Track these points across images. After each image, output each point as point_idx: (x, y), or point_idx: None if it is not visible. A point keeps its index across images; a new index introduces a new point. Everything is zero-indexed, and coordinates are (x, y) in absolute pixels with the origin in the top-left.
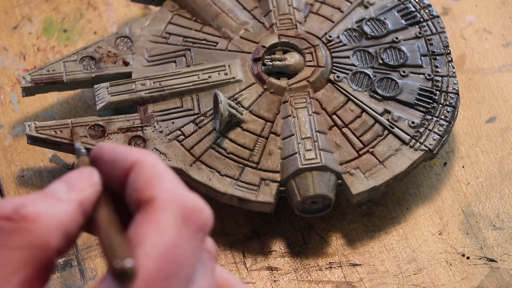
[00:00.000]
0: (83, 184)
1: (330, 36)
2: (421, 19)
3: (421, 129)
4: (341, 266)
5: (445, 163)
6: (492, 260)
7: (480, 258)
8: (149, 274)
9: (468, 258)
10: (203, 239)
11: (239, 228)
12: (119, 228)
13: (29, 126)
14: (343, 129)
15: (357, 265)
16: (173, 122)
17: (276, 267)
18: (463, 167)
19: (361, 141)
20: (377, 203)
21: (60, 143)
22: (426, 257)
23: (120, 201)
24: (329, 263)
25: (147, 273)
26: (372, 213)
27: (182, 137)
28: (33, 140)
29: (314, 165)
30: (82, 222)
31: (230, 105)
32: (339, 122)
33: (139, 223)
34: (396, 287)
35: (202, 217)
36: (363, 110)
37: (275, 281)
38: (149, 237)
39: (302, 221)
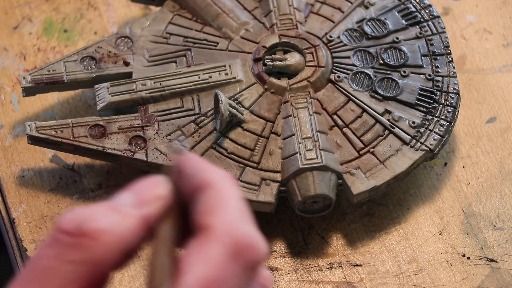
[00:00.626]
0: (151, 197)
1: (331, 36)
2: (422, 19)
3: (422, 129)
4: (341, 266)
5: (446, 163)
6: (492, 260)
7: (481, 258)
8: None
9: (468, 258)
10: (253, 276)
11: None
12: (173, 250)
13: (29, 126)
14: (343, 129)
15: (358, 265)
16: (173, 122)
17: (277, 267)
18: (463, 167)
19: (361, 141)
20: (377, 203)
21: (61, 143)
22: (426, 257)
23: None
24: (330, 263)
25: None
26: (373, 213)
27: (183, 137)
28: (34, 140)
29: (314, 165)
30: (144, 237)
31: (230, 105)
32: (339, 122)
33: (190, 250)
34: (397, 287)
35: (255, 254)
36: (364, 110)
37: (275, 281)
38: (195, 267)
39: (302, 221)
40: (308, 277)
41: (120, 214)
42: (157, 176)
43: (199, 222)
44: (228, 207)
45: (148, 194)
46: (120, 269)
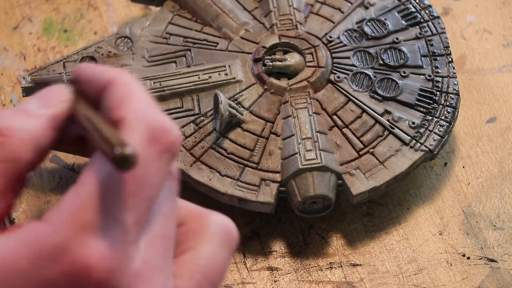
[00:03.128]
0: (55, 100)
1: (331, 37)
2: (422, 20)
3: (422, 130)
4: (341, 266)
5: (446, 163)
6: (492, 260)
7: (481, 258)
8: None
9: (468, 258)
10: (170, 160)
11: (240, 228)
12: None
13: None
14: (343, 129)
15: (358, 265)
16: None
17: (277, 267)
18: (463, 167)
19: (361, 142)
20: (377, 203)
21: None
22: (426, 257)
23: None
24: (330, 263)
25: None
26: (373, 213)
27: (182, 137)
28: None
29: (314, 166)
30: (53, 137)
31: (230, 106)
32: (339, 122)
33: None
34: (397, 287)
35: (170, 137)
36: (364, 111)
37: (275, 281)
38: None
39: (302, 221)
40: (308, 277)
41: (27, 114)
42: (56, 86)
43: (112, 119)
44: (136, 97)
45: (53, 98)
46: (35, 169)
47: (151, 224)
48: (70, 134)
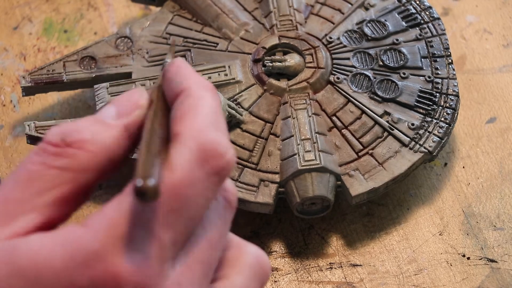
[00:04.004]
0: (131, 107)
1: (331, 38)
2: (422, 21)
3: (421, 131)
4: (341, 266)
5: (446, 164)
6: (492, 261)
7: (481, 259)
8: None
9: (468, 258)
10: (218, 184)
11: (240, 228)
12: (161, 148)
13: (28, 125)
14: (342, 130)
15: (358, 265)
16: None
17: (277, 268)
18: (463, 167)
19: (360, 143)
20: (377, 203)
21: None
22: (426, 257)
23: None
24: (330, 263)
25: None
26: (373, 213)
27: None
28: (33, 140)
29: (313, 166)
30: (129, 145)
31: (229, 106)
32: (338, 123)
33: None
34: (397, 287)
35: (221, 161)
36: (363, 112)
37: (275, 281)
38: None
39: (302, 221)
40: (308, 277)
41: (102, 125)
42: (136, 88)
43: (172, 129)
44: (199, 113)
45: (128, 105)
46: (106, 178)
47: (193, 247)
48: None
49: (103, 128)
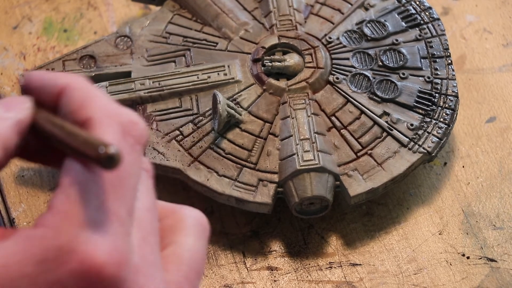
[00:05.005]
0: (18, 106)
1: (330, 38)
2: (422, 22)
3: (420, 132)
4: (341, 266)
5: (445, 163)
6: (492, 260)
7: (480, 258)
8: None
9: (468, 258)
10: (141, 151)
11: (239, 228)
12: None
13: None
14: (341, 130)
15: (357, 265)
16: (172, 122)
17: (276, 267)
18: (463, 167)
19: (359, 143)
20: (377, 203)
21: None
22: (426, 257)
23: None
24: (329, 263)
25: None
26: (372, 213)
27: (181, 137)
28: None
29: (312, 166)
30: (18, 141)
31: (229, 106)
32: (337, 123)
33: None
34: (396, 287)
35: (139, 130)
36: (362, 112)
37: (275, 281)
38: None
39: (302, 221)
40: (307, 276)
41: None
42: (16, 95)
43: (77, 118)
44: (96, 96)
45: (16, 104)
46: (1, 169)
47: (139, 218)
48: (31, 144)
49: None
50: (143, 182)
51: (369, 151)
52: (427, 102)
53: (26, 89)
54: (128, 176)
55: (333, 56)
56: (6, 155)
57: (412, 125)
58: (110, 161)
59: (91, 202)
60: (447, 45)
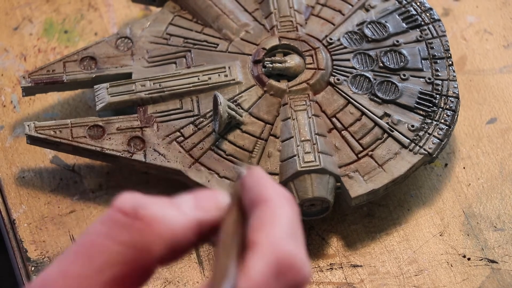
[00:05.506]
0: (210, 205)
1: (331, 39)
2: (422, 23)
3: (421, 133)
4: (342, 267)
5: (446, 164)
6: (493, 261)
7: (481, 259)
8: None
9: (469, 259)
10: None
11: None
12: (236, 255)
13: (28, 126)
14: (342, 132)
15: (358, 266)
16: (172, 124)
17: None
18: (464, 168)
19: (360, 144)
20: (378, 204)
21: (59, 143)
22: (427, 258)
23: None
24: (330, 264)
25: None
26: (373, 214)
27: (182, 138)
28: (33, 140)
29: (313, 168)
30: (194, 241)
31: (229, 107)
32: (338, 125)
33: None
34: None
35: (297, 276)
36: (363, 113)
37: None
38: (237, 282)
39: (303, 222)
40: None
41: (177, 210)
42: (218, 190)
43: (248, 238)
44: (277, 224)
45: (208, 202)
46: (165, 266)
47: None
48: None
49: (176, 213)
50: None
51: (370, 153)
52: (428, 103)
53: (240, 184)
54: None
55: (334, 57)
56: (174, 253)
57: (413, 126)
58: None
59: None
60: (448, 46)
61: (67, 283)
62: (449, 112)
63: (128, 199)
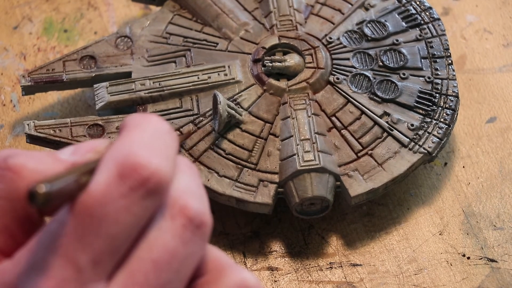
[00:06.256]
0: (86, 149)
1: (331, 38)
2: (422, 22)
3: (420, 132)
4: (341, 266)
5: (446, 163)
6: (492, 260)
7: (481, 258)
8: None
9: (468, 258)
10: (149, 198)
11: (240, 228)
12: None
13: (28, 124)
14: (342, 131)
15: (358, 265)
16: (172, 122)
17: (277, 267)
18: (463, 167)
19: (360, 143)
20: (377, 203)
21: (59, 142)
22: (426, 257)
23: None
24: (330, 263)
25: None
26: (373, 213)
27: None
28: (32, 139)
29: (312, 167)
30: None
31: (229, 106)
32: (338, 124)
33: None
34: (397, 287)
35: (143, 173)
36: (363, 112)
37: (275, 281)
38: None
39: (302, 221)
40: (308, 277)
41: (53, 159)
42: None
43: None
44: (130, 136)
45: (85, 147)
46: (51, 214)
47: (132, 267)
48: None
49: (51, 161)
50: (169, 230)
51: (370, 152)
52: (427, 102)
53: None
54: (107, 222)
55: (333, 56)
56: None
57: (412, 125)
58: (31, 198)
59: (54, 243)
60: (448, 45)
61: None
62: (448, 111)
63: (2, 152)
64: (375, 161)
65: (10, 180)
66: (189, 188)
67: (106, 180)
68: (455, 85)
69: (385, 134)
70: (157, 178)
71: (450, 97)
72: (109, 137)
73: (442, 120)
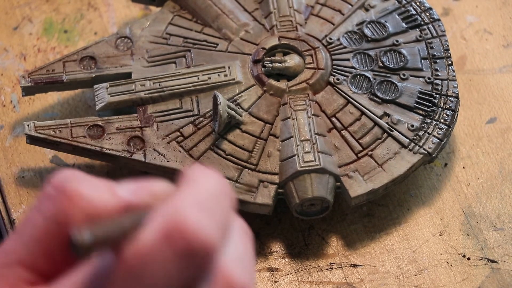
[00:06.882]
0: (144, 191)
1: (331, 39)
2: (422, 22)
3: (421, 133)
4: (341, 267)
5: (446, 164)
6: (492, 261)
7: (481, 259)
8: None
9: (468, 259)
10: (191, 266)
11: None
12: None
13: (28, 125)
14: (342, 131)
15: (358, 266)
16: (172, 123)
17: (277, 268)
18: (463, 168)
19: (360, 144)
20: (377, 204)
21: (59, 143)
22: (426, 258)
23: None
24: (330, 264)
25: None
26: (373, 214)
27: (181, 138)
28: (32, 140)
29: (312, 168)
30: None
31: (229, 107)
32: (338, 124)
33: None
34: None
35: (191, 240)
36: (363, 113)
37: (275, 282)
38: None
39: (302, 222)
40: (308, 277)
41: (110, 191)
42: (166, 180)
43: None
44: (186, 195)
45: (143, 188)
46: None
47: None
48: None
49: (108, 193)
50: None
51: (370, 152)
52: (427, 103)
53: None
54: (146, 277)
55: (333, 57)
56: None
57: (412, 126)
58: (73, 246)
59: (97, 283)
60: (448, 46)
61: (2, 259)
62: (448, 112)
63: (63, 174)
64: (375, 161)
65: (61, 204)
66: (238, 257)
67: (151, 239)
68: (455, 85)
69: (385, 135)
70: (204, 246)
71: (450, 98)
72: (109, 137)
73: (442, 120)
